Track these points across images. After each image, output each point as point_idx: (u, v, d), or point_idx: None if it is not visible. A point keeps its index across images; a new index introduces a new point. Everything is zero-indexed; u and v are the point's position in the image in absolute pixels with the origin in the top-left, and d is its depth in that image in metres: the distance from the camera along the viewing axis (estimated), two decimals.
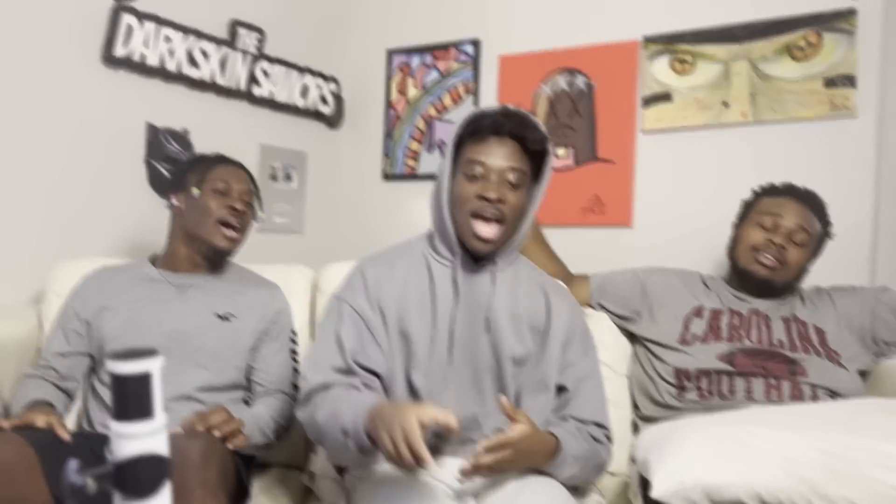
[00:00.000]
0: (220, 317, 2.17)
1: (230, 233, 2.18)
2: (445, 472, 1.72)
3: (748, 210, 2.34)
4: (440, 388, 1.79)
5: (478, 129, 1.79)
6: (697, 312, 2.29)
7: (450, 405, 1.59)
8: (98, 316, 2.13)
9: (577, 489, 1.89)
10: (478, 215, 1.76)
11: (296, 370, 2.26)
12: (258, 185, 2.33)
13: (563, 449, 1.72)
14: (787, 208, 2.24)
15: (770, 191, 2.33)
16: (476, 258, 1.84)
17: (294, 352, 2.29)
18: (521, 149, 1.79)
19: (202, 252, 2.21)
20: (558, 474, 1.74)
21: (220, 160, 2.28)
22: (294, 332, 2.33)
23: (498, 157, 1.77)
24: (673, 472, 1.52)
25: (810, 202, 2.26)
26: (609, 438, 1.89)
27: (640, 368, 2.34)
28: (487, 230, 1.76)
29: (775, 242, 2.20)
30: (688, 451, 1.55)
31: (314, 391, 1.73)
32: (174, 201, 2.22)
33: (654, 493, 1.51)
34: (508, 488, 1.70)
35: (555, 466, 1.72)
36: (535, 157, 1.82)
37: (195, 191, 2.18)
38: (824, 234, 2.28)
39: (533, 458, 1.68)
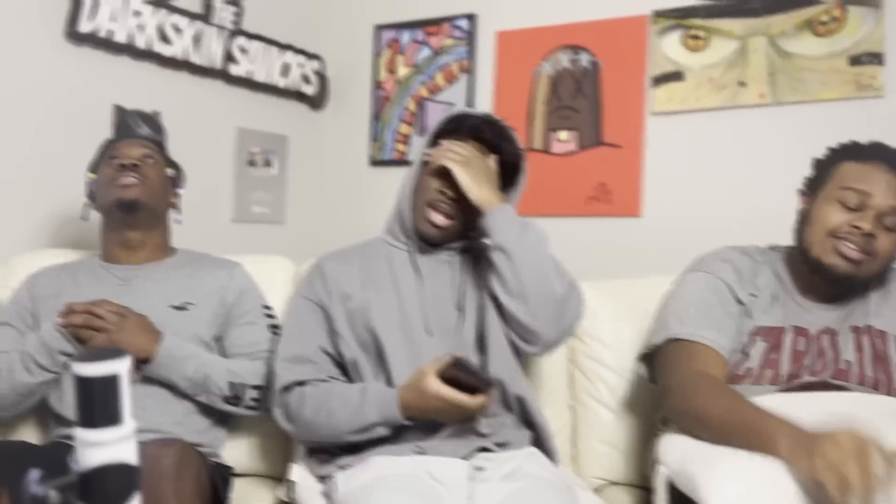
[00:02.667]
0: (175, 308, 2.16)
1: (127, 180, 2.15)
2: (444, 469, 1.81)
3: (824, 177, 1.95)
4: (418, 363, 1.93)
5: (457, 128, 2.06)
6: (762, 333, 1.95)
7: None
8: (48, 319, 2.12)
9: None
10: (433, 206, 2.04)
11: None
12: (164, 150, 2.32)
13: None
14: (877, 181, 1.86)
15: (854, 152, 1.95)
16: (430, 244, 2.10)
17: (273, 326, 2.26)
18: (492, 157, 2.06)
19: (117, 217, 2.19)
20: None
21: (120, 135, 2.33)
22: (268, 307, 2.30)
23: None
24: (728, 494, 1.48)
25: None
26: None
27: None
28: (439, 219, 2.04)
29: (862, 229, 1.83)
30: (741, 470, 1.53)
31: (289, 388, 1.97)
32: (86, 211, 2.27)
33: None
34: (511, 492, 1.74)
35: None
36: (508, 168, 2.08)
37: (91, 176, 2.23)
38: None
39: None
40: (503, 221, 1.93)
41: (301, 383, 1.96)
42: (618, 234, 3.07)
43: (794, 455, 1.47)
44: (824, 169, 1.96)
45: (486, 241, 1.98)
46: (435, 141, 2.07)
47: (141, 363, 2.01)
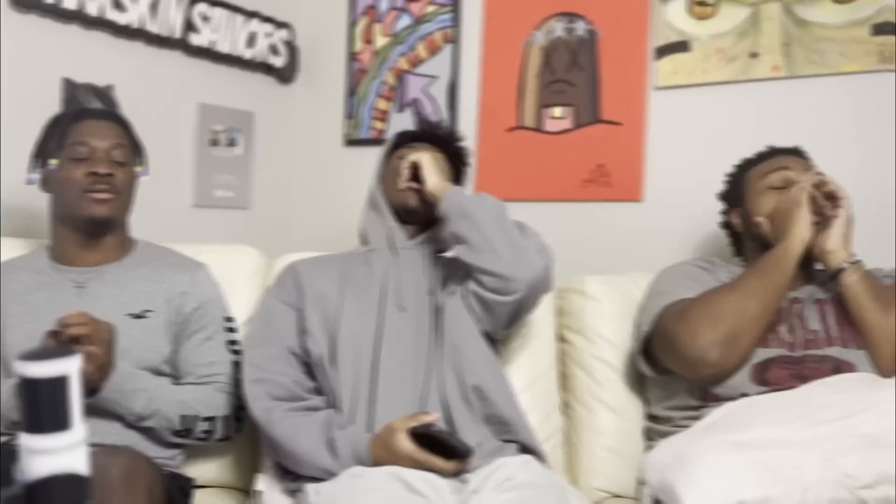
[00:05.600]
0: (133, 316, 2.16)
1: (101, 195, 2.14)
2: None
3: (741, 186, 2.39)
4: (394, 341, 2.14)
5: (402, 141, 2.47)
6: None
7: (407, 357, 2.12)
8: None
9: None
10: (400, 175, 2.33)
11: (236, 363, 2.25)
12: (133, 133, 2.29)
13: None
14: (787, 161, 2.31)
15: (753, 161, 2.40)
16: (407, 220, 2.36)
17: (232, 342, 2.29)
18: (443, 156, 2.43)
19: (82, 228, 2.19)
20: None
21: (78, 116, 2.26)
22: (229, 320, 2.32)
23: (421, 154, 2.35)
24: (706, 492, 1.66)
25: (793, 152, 2.36)
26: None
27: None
28: (411, 183, 2.31)
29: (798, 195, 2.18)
30: (717, 468, 1.70)
31: (264, 402, 2.10)
32: (35, 175, 2.22)
33: None
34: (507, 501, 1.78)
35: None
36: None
37: (53, 163, 2.17)
38: None
39: None
40: (458, 194, 2.21)
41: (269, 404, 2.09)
42: (617, 221, 3.07)
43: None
44: (738, 183, 2.41)
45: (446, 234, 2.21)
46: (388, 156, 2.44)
47: (85, 394, 1.98)
